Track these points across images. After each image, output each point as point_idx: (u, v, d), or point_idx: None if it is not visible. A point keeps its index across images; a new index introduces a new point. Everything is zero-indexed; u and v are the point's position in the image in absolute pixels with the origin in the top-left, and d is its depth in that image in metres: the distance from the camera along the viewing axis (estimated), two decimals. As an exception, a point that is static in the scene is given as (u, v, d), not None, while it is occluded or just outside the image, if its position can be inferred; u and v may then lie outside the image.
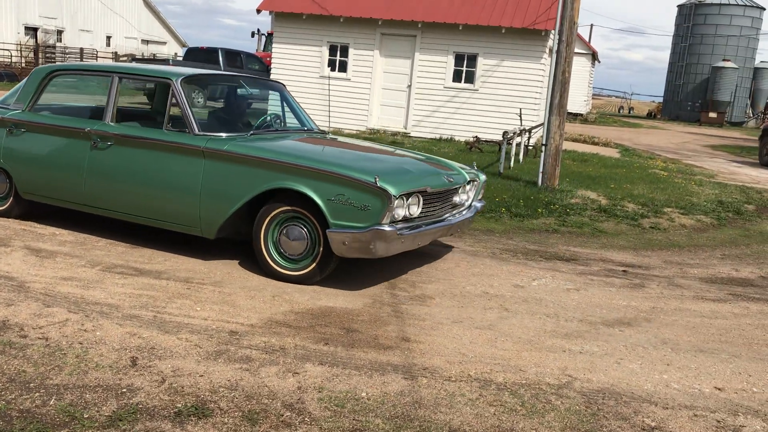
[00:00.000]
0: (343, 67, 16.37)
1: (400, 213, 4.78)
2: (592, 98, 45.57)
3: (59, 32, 43.62)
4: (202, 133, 5.26)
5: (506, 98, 15.19)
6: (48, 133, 5.92)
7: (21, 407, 2.91)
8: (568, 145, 15.98)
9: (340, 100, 16.34)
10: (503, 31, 14.96)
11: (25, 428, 2.76)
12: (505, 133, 11.23)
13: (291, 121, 6.46)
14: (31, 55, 34.62)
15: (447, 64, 15.60)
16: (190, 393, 3.17)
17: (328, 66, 16.37)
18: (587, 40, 38.92)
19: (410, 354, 3.85)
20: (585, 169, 12.52)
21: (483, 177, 6.15)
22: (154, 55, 45.15)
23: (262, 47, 29.48)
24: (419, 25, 15.45)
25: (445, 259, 6.03)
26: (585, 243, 7.14)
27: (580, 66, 30.82)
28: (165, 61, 21.90)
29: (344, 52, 16.29)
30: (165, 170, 5.31)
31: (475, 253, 6.34)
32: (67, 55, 40.22)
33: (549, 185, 9.66)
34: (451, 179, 5.45)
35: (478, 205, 6.05)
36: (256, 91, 6.61)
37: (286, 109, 6.55)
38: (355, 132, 15.96)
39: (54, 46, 41.91)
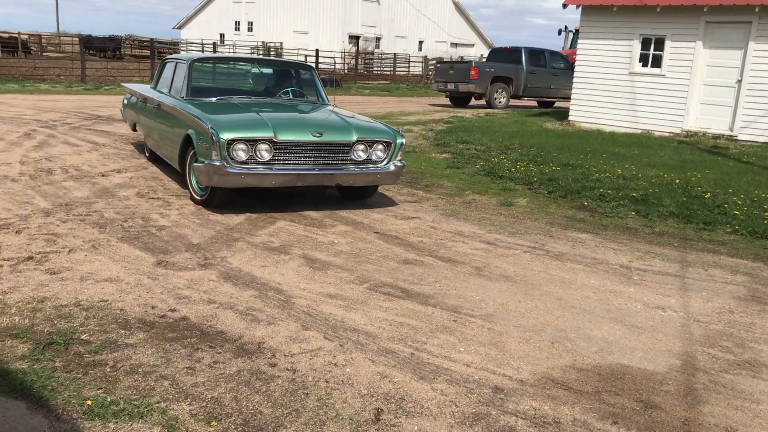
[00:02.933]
0: (656, 62, 14.61)
1: (242, 156, 6.03)
2: None
3: (377, 39, 47.15)
4: (188, 98, 7.23)
5: None
6: (147, 102, 8.40)
7: (243, 463, 2.55)
8: None
9: (651, 98, 14.61)
10: None
11: (241, 493, 2.38)
12: None
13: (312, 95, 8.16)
14: (353, 61, 37.69)
15: (791, 53, 12.96)
16: (432, 473, 2.55)
17: (639, 61, 14.76)
18: None
19: (737, 458, 2.76)
20: None
21: (400, 140, 6.75)
22: (462, 57, 46.41)
23: (568, 45, 28.28)
24: (756, 9, 13.05)
25: (786, 307, 4.60)
26: None
27: None
28: (468, 63, 21.98)
29: (658, 45, 14.52)
30: (169, 123, 7.31)
31: (831, 302, 4.77)
32: (383, 61, 43.23)
33: None
34: (317, 134, 6.30)
35: (392, 167, 6.73)
36: (268, 71, 8.78)
37: (311, 85, 8.23)
38: (667, 135, 14.15)
39: (372, 53, 45.38)
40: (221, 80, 8.51)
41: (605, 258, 5.61)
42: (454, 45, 52.99)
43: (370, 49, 46.16)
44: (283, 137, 6.12)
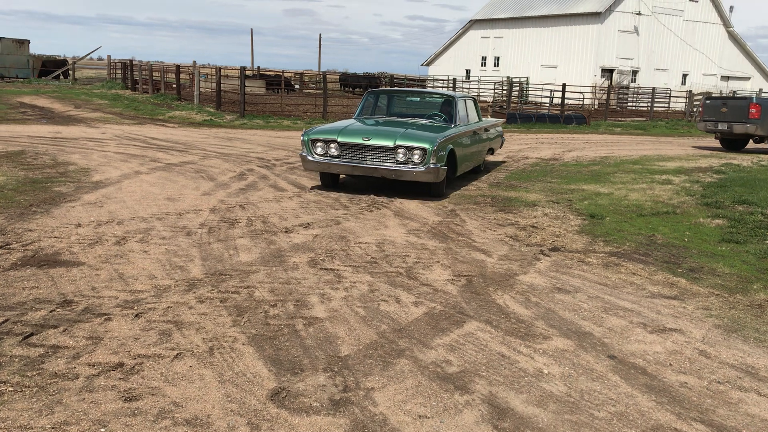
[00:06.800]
0: None
1: (320, 151, 9.07)
2: None
3: (634, 72, 43.26)
4: (355, 117, 10.55)
5: None
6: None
7: None
8: None
9: None
10: None
11: None
12: None
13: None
14: (604, 96, 34.61)
15: None
16: None
17: None
18: None
19: None
20: None
21: (431, 147, 8.58)
22: (734, 92, 40.68)
23: None
24: None
25: None
26: None
27: None
28: (747, 99, 18.33)
29: None
30: None
31: None
32: (639, 96, 39.34)
33: None
34: (366, 139, 8.78)
35: (423, 167, 8.61)
36: (417, 99, 11.76)
37: (451, 110, 10.40)
38: None
39: (627, 87, 41.64)
40: (384, 106, 11.07)
41: None
42: (726, 78, 46.93)
43: (625, 83, 42.43)
44: (342, 139, 8.89)
